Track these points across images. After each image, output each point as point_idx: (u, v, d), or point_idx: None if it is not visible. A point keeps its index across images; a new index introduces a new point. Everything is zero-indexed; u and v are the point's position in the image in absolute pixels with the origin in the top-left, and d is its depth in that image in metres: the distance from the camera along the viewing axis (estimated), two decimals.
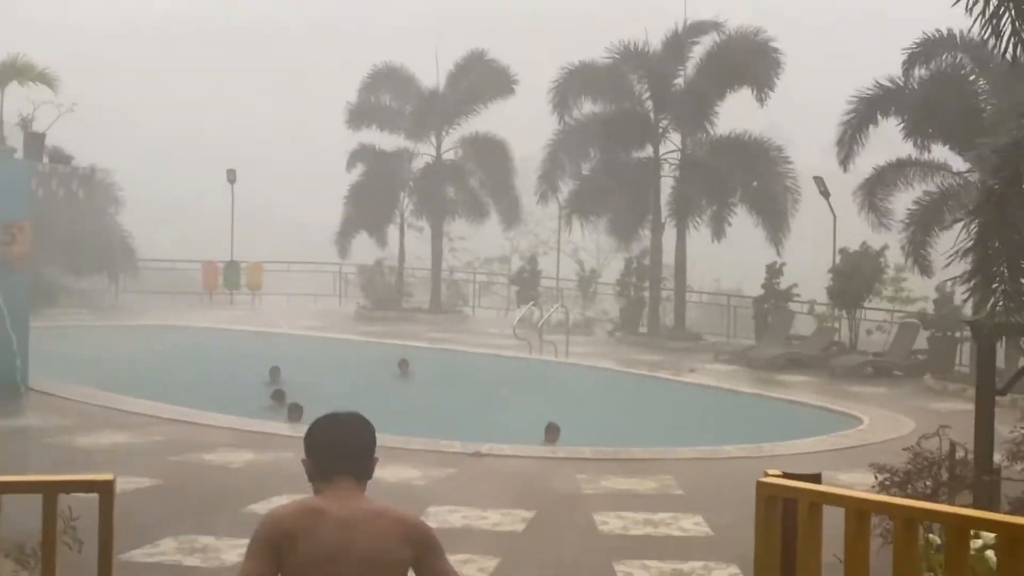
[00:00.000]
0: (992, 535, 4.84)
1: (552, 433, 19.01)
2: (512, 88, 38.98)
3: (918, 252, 27.94)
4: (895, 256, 30.36)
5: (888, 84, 27.78)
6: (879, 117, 28.43)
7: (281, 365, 26.01)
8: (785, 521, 4.85)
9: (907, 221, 28.00)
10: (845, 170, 28.61)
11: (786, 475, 4.93)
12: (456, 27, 49.69)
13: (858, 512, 4.48)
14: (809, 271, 33.96)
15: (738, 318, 36.41)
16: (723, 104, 34.42)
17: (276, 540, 4.20)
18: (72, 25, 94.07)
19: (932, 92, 27.24)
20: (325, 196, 43.05)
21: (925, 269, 28.08)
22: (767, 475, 4.97)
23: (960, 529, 4.12)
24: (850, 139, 28.26)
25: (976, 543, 6.12)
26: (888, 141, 29.19)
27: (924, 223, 27.93)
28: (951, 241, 27.06)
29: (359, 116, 40.58)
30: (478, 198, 40.23)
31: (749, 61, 33.34)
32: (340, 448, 4.46)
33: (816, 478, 4.97)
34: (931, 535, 7.07)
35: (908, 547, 4.24)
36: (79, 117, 26.03)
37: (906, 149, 29.44)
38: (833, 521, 4.91)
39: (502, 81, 39.56)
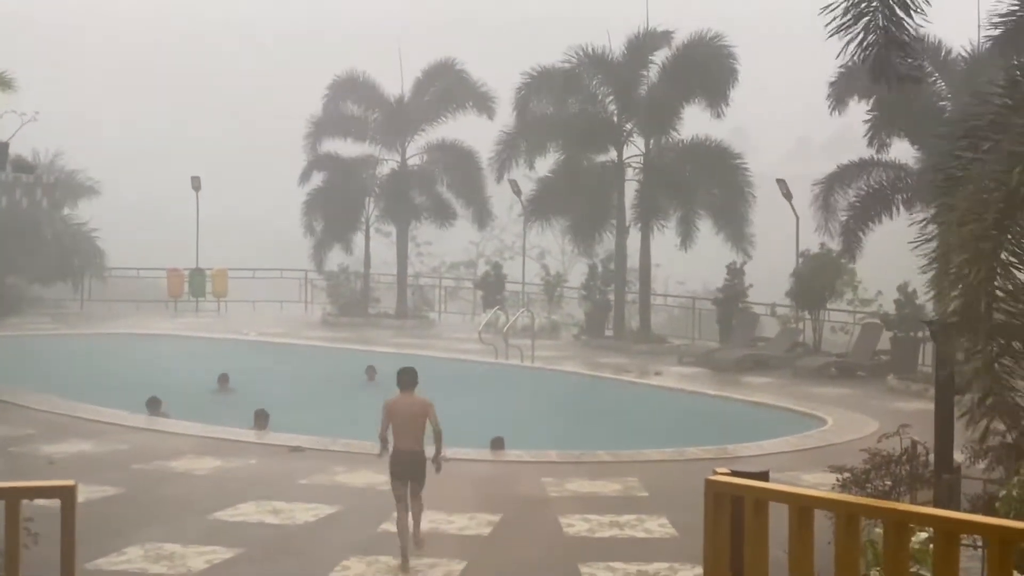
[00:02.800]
0: None
1: (497, 445, 18.71)
2: (491, 107, 38.92)
3: (851, 238, 28.68)
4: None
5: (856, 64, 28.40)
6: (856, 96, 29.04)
7: (248, 372, 25.95)
8: (733, 518, 4.95)
9: (851, 206, 28.66)
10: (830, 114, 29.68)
11: (734, 473, 5.02)
12: (420, 34, 49.68)
13: (800, 508, 4.58)
14: (774, 273, 34.13)
15: (703, 321, 36.58)
16: (687, 108, 34.56)
17: (387, 409, 12.11)
18: (35, 31, 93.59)
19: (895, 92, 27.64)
20: (291, 202, 42.93)
21: (851, 252, 28.88)
22: (715, 473, 5.06)
23: (898, 524, 4.22)
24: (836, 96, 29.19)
25: (922, 536, 6.24)
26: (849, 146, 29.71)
27: (866, 210, 28.56)
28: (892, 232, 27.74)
29: (322, 126, 40.54)
30: (445, 202, 40.21)
31: (708, 71, 33.48)
32: (402, 379, 12.27)
33: (763, 476, 5.06)
34: (877, 530, 7.18)
35: (849, 541, 4.35)
36: (41, 124, 25.91)
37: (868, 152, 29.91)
38: (784, 518, 4.99)
39: (471, 91, 39.56)
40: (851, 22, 11.16)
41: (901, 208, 28.59)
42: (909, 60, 11.06)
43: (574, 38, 36.40)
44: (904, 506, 4.57)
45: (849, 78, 28.60)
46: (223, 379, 25.52)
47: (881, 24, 10.90)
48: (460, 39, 58.68)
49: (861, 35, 11.17)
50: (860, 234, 28.60)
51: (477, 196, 39.66)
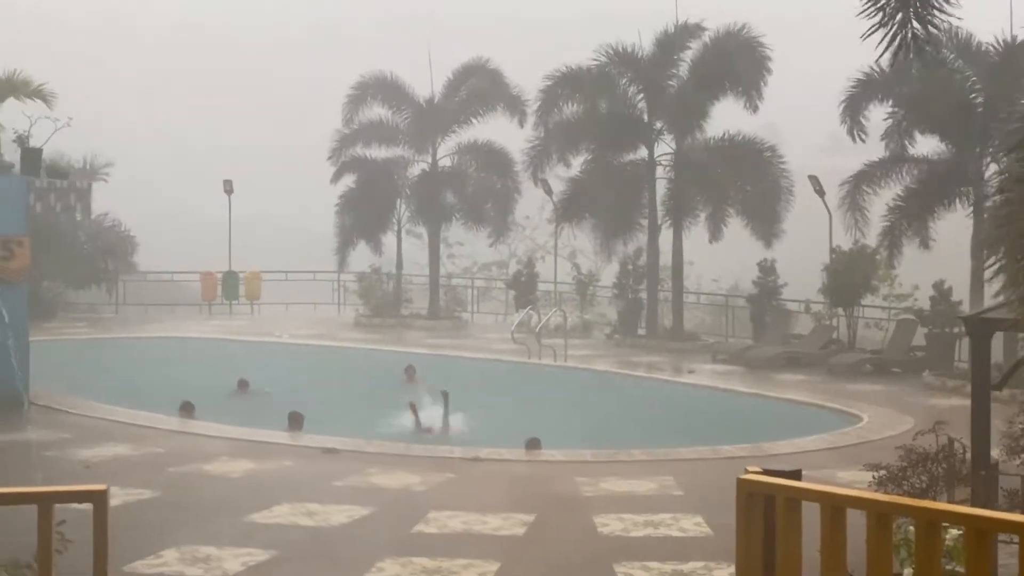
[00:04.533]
0: None
1: (533, 446, 18.69)
2: (523, 109, 38.75)
3: (893, 240, 28.61)
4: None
5: (877, 71, 28.34)
6: (875, 101, 29.05)
7: (282, 374, 26.00)
8: (766, 517, 4.92)
9: (890, 207, 28.57)
10: (853, 140, 29.71)
11: (766, 472, 4.99)
12: (446, 35, 49.62)
13: (832, 507, 4.55)
14: (807, 270, 33.99)
15: (736, 318, 36.47)
16: (719, 104, 34.47)
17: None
18: (67, 34, 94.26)
19: (924, 87, 27.50)
20: (323, 204, 43.08)
21: (891, 254, 28.90)
22: (747, 472, 5.04)
23: (929, 523, 4.19)
24: (851, 115, 29.31)
25: (955, 533, 6.20)
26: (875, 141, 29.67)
27: (909, 213, 28.50)
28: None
29: (349, 135, 40.53)
30: (476, 204, 40.17)
31: (739, 65, 33.39)
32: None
33: (796, 474, 5.03)
34: (911, 528, 7.12)
35: (881, 540, 4.32)
36: (74, 128, 26.06)
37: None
38: (818, 516, 4.96)
39: (503, 92, 39.44)
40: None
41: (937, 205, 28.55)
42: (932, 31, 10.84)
43: (602, 36, 36.34)
44: (935, 504, 4.54)
45: (868, 85, 28.64)
46: (242, 384, 25.55)
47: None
48: (487, 38, 58.64)
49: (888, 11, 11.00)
50: (902, 237, 28.60)
51: (503, 200, 39.61)
